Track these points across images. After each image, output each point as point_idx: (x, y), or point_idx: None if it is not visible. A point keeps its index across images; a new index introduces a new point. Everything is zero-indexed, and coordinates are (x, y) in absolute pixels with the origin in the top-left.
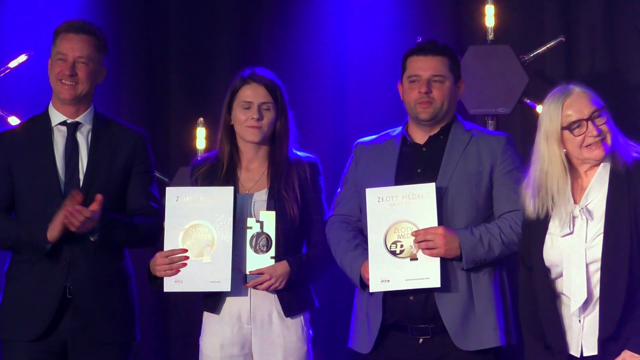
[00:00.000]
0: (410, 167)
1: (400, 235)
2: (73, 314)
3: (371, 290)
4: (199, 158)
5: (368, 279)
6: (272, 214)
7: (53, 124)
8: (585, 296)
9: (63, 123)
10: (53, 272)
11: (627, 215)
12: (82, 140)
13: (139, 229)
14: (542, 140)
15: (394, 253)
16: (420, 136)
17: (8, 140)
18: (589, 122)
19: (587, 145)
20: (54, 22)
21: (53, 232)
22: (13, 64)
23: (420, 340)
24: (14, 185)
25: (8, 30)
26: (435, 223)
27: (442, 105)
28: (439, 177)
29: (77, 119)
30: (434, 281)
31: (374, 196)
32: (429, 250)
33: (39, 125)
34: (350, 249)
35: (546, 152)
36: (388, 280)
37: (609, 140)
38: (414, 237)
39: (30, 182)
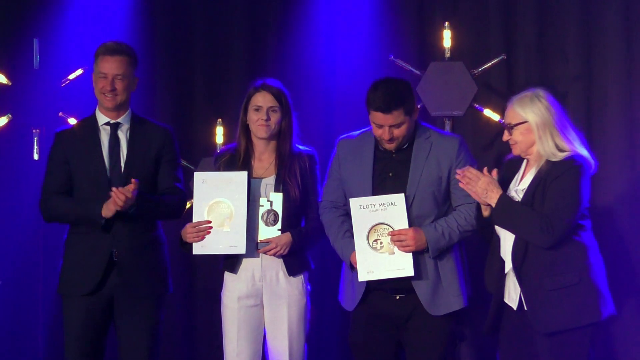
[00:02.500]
0: (384, 171)
1: (379, 235)
2: (118, 273)
3: (360, 280)
4: (221, 149)
5: (356, 265)
6: (280, 195)
7: (99, 124)
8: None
9: (107, 124)
10: (101, 240)
11: (540, 198)
12: (122, 136)
13: (167, 204)
14: None
15: (375, 249)
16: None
17: (65, 138)
18: (507, 130)
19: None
20: (99, 42)
21: (108, 211)
22: (72, 76)
23: (397, 296)
24: (71, 172)
25: (69, 49)
26: (406, 225)
27: (403, 138)
28: (409, 184)
29: (118, 120)
30: (409, 271)
31: (356, 204)
32: (403, 247)
33: (88, 126)
34: (341, 236)
35: None
36: (372, 272)
37: (521, 147)
38: (390, 237)
39: (83, 170)
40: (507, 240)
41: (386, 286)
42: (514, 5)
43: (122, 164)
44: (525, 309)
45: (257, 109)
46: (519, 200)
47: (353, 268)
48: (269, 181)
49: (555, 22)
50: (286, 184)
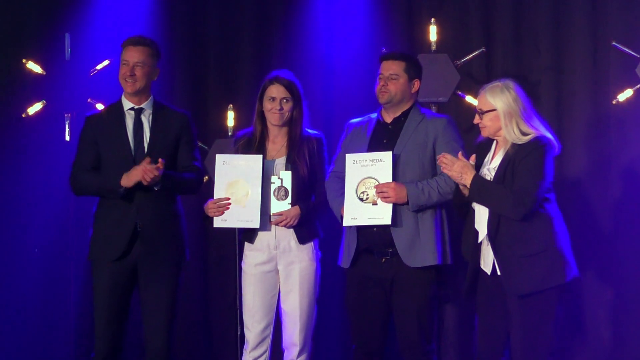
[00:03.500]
0: (379, 139)
1: (367, 187)
2: (141, 242)
3: (344, 224)
4: (239, 133)
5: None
6: (289, 173)
7: (125, 109)
8: (486, 230)
9: (131, 109)
10: (127, 212)
11: (509, 176)
12: (145, 120)
13: (187, 181)
14: None
15: (361, 199)
16: (388, 117)
17: (95, 121)
18: (477, 115)
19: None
20: (124, 36)
21: (128, 182)
22: (99, 66)
23: (383, 259)
24: (99, 152)
25: (97, 43)
26: (390, 179)
27: (395, 94)
28: (396, 146)
29: (141, 106)
30: (387, 220)
31: (350, 159)
32: (384, 198)
33: (115, 111)
34: (337, 196)
35: None
36: (356, 218)
37: (489, 131)
38: (375, 189)
39: (110, 150)
40: (481, 213)
41: (374, 248)
42: (492, 3)
43: (145, 145)
44: (499, 273)
45: (272, 99)
46: (492, 177)
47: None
48: (281, 161)
49: (529, 19)
50: (295, 164)
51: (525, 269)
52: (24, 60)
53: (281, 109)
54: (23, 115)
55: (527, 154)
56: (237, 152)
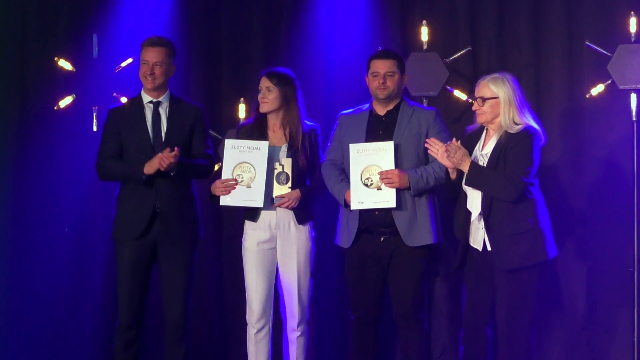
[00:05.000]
0: (375, 130)
1: (370, 174)
2: (160, 222)
3: (352, 208)
4: (242, 123)
5: (349, 201)
6: (290, 160)
7: (144, 102)
8: (479, 209)
9: (150, 102)
10: (147, 195)
11: (502, 161)
12: (163, 112)
13: (199, 167)
14: None
15: (366, 185)
16: (380, 110)
17: (117, 113)
18: (477, 101)
19: (477, 114)
20: (146, 36)
21: (150, 169)
22: (123, 64)
23: (382, 238)
24: (121, 141)
25: (121, 43)
26: (393, 166)
27: (393, 89)
28: (394, 137)
29: (159, 99)
30: (391, 203)
31: (354, 149)
32: (389, 184)
33: (135, 104)
34: (337, 182)
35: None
36: (362, 202)
37: (487, 117)
38: (379, 176)
39: (131, 139)
40: (473, 196)
41: (374, 228)
42: (478, 7)
43: (163, 135)
44: (490, 249)
45: (259, 90)
46: (485, 163)
47: (346, 205)
48: (282, 149)
49: (511, 21)
50: (295, 152)
51: (514, 247)
52: (55, 59)
53: (264, 97)
54: (55, 108)
55: (518, 142)
56: (239, 138)
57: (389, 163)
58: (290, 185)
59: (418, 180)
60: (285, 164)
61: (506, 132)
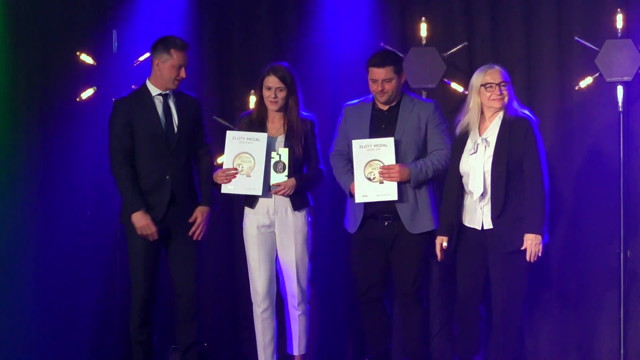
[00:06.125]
0: (378, 124)
1: (373, 168)
2: (174, 206)
3: (356, 201)
4: (243, 114)
5: (354, 192)
6: (286, 150)
7: (153, 95)
8: (481, 190)
9: (159, 95)
10: (164, 184)
11: (507, 146)
12: (172, 104)
13: (209, 172)
14: (471, 93)
15: (369, 179)
16: (382, 105)
17: (125, 105)
18: (497, 86)
19: (493, 99)
20: (162, 34)
21: (137, 223)
22: (141, 58)
23: (386, 223)
24: (133, 132)
25: (139, 38)
26: (394, 162)
27: (392, 93)
28: (396, 131)
29: (166, 92)
30: (394, 196)
31: (357, 144)
32: (391, 178)
33: (143, 96)
34: (344, 173)
35: (471, 100)
36: (366, 195)
37: (505, 100)
38: (381, 170)
39: (143, 131)
40: (475, 177)
41: (378, 214)
42: (473, 4)
43: (175, 127)
44: (487, 228)
45: (268, 88)
46: (486, 146)
47: (351, 195)
48: (279, 139)
49: (504, 17)
50: (292, 142)
51: (515, 230)
52: (77, 53)
53: (275, 97)
54: (77, 100)
55: (526, 129)
56: (240, 129)
57: (390, 158)
58: (287, 174)
59: (418, 173)
60: (282, 154)
61: (505, 119)
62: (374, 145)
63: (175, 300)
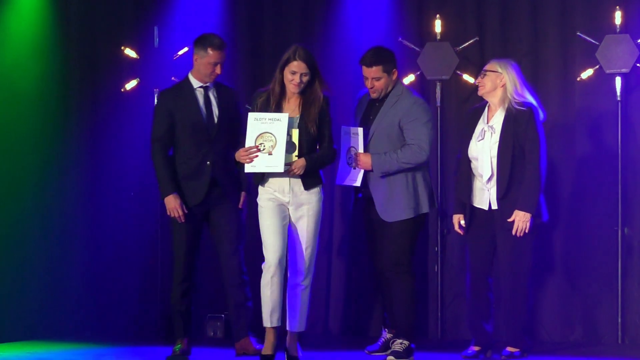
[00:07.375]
0: (368, 114)
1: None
2: (215, 188)
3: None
4: (259, 90)
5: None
6: (297, 130)
7: (194, 87)
8: (489, 173)
9: (200, 87)
10: (204, 169)
11: (511, 133)
12: (212, 96)
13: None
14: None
15: (349, 165)
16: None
17: (169, 96)
18: (480, 74)
19: (477, 84)
20: (200, 30)
21: (167, 205)
22: (180, 52)
23: (360, 195)
24: (174, 122)
25: (178, 34)
26: (362, 150)
27: (382, 89)
28: (373, 123)
29: (207, 85)
30: (358, 182)
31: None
32: (358, 165)
33: (186, 88)
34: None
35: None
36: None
37: (486, 88)
38: (355, 157)
39: (186, 119)
40: (484, 161)
41: (361, 194)
42: (485, 2)
43: (215, 118)
44: (494, 208)
45: (293, 72)
46: (492, 133)
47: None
48: (295, 119)
49: (513, 15)
50: (305, 123)
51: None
52: (122, 47)
53: (300, 82)
54: (122, 90)
55: (527, 118)
56: (256, 105)
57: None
58: (297, 154)
59: (381, 163)
60: (293, 134)
61: (510, 108)
62: (352, 133)
63: (220, 269)
